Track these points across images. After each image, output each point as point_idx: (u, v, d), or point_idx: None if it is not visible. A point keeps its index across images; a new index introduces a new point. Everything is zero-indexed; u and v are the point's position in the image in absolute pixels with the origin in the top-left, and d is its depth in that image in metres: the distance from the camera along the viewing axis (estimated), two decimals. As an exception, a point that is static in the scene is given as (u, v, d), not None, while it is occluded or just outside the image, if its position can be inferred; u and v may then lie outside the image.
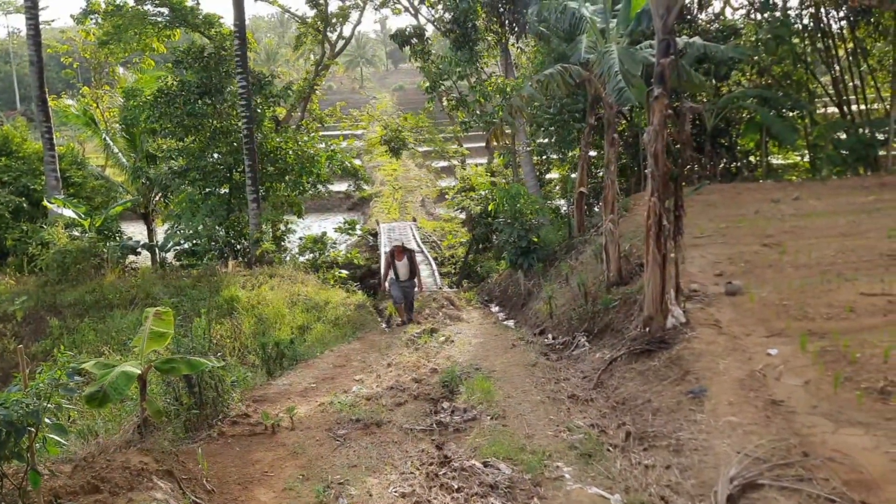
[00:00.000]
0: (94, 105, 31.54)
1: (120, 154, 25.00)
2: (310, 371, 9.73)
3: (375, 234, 28.26)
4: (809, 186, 17.40)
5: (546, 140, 20.98)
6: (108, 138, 24.99)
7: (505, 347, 10.58)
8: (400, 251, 13.51)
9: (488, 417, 6.76)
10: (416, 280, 13.63)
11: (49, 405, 3.79)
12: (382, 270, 13.87)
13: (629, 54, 9.32)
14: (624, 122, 19.35)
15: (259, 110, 21.36)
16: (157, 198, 24.66)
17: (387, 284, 13.66)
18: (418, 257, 22.26)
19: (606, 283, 11.18)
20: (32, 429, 3.75)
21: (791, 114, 20.19)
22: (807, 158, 22.73)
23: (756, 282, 10.01)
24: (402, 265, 13.37)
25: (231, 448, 6.21)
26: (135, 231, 25.70)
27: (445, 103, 26.12)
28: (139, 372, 5.14)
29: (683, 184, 8.03)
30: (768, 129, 18.94)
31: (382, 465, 5.74)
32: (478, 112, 20.68)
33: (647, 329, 8.32)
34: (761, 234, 12.87)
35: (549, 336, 11.19)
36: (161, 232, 24.98)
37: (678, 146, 7.86)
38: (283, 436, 6.60)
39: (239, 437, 6.52)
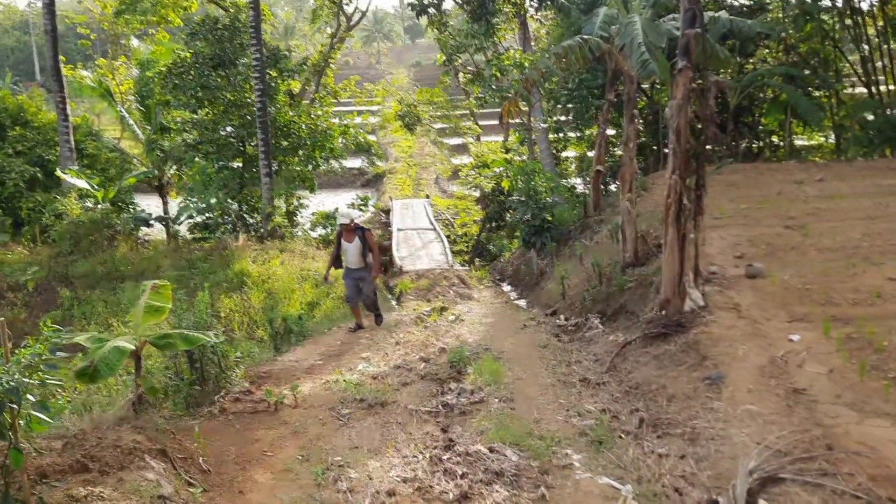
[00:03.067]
0: (111, 76, 31.38)
1: (135, 126, 24.85)
2: (317, 348, 9.57)
3: (388, 211, 28.03)
4: (834, 168, 16.91)
5: (563, 118, 20.57)
6: (122, 110, 24.83)
7: (515, 328, 10.35)
8: (350, 230, 10.34)
9: (496, 400, 6.55)
10: (365, 269, 10.43)
11: (31, 381, 3.61)
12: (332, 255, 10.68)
13: (653, 26, 8.95)
14: (644, 99, 18.91)
15: (273, 84, 21.09)
16: (172, 170, 24.52)
17: (331, 276, 10.76)
18: (430, 235, 22.02)
19: (622, 263, 10.89)
20: (14, 406, 3.57)
21: (817, 93, 19.64)
22: (831, 140, 22.17)
23: (778, 265, 9.68)
24: (353, 248, 10.28)
25: (232, 426, 6.04)
26: (150, 204, 25.60)
27: (462, 78, 25.67)
28: (133, 347, 4.95)
29: (707, 162, 7.71)
30: (794, 109, 18.42)
31: (385, 447, 5.54)
32: (493, 87, 20.25)
33: (664, 312, 8.05)
34: (784, 216, 12.48)
35: (562, 317, 10.94)
36: (175, 205, 24.88)
37: (701, 123, 7.53)
38: (286, 414, 6.43)
39: (240, 414, 6.36)
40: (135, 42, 30.64)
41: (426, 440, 5.63)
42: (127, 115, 24.81)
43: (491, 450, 5.29)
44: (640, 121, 17.05)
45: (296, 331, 10.22)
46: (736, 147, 18.73)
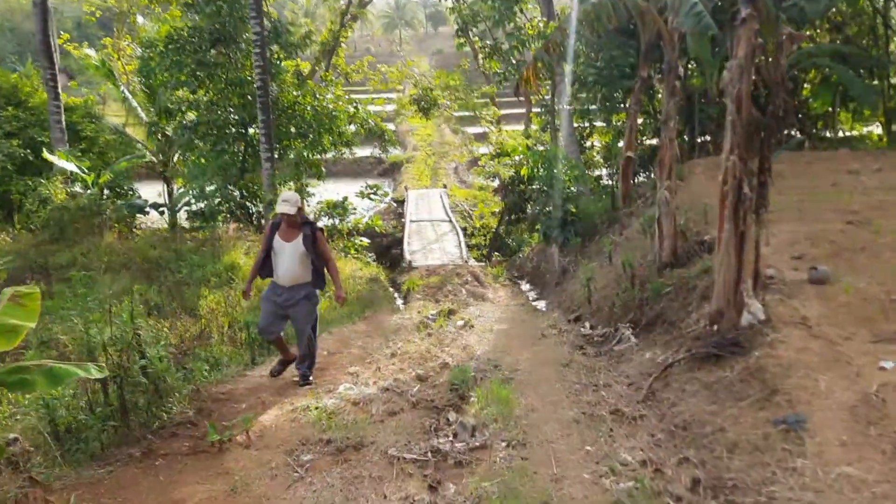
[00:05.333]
0: (116, 56, 30.21)
1: (139, 108, 23.62)
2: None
3: (403, 202, 26.62)
4: (891, 156, 15.19)
5: (589, 105, 18.93)
6: (126, 91, 23.58)
7: (533, 337, 8.86)
8: (293, 224, 6.77)
9: (503, 444, 5.04)
10: (315, 286, 6.95)
11: None
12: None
13: (703, -25, 7.39)
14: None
15: (277, 61, 19.66)
16: (177, 156, 23.24)
17: (253, 290, 7.45)
18: (445, 227, 20.53)
19: (658, 263, 9.34)
20: None
21: (869, 77, 17.85)
22: (876, 130, 20.33)
23: (847, 268, 8.08)
24: (291, 253, 6.73)
25: (154, 476, 4.62)
26: (157, 191, 24.34)
27: (481, 60, 24.03)
28: (-40, 389, 3.53)
29: (775, 140, 6.15)
30: (844, 91, 16.66)
31: (348, 518, 4.10)
32: (513, 62, 18.58)
33: (715, 327, 6.51)
34: (844, 210, 10.84)
35: (587, 324, 9.42)
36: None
37: (767, 89, 5.97)
38: (233, 457, 4.99)
39: (173, 457, 4.94)
40: (140, 20, 29.36)
41: (405, 508, 4.17)
42: (130, 97, 23.57)
43: (490, 532, 3.83)
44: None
45: (276, 337, 8.77)
46: (781, 133, 16.98)
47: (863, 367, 5.61)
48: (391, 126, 31.05)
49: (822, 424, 4.71)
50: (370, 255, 17.02)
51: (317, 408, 5.92)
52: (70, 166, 17.54)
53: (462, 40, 21.12)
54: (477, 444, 5.02)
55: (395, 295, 13.80)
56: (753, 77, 5.94)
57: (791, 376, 5.40)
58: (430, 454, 4.87)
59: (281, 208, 6.72)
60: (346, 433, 5.23)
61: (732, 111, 5.91)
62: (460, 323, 9.90)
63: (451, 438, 5.15)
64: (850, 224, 10.06)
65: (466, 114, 39.48)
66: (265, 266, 6.97)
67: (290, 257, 6.75)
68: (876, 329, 6.37)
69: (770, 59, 5.81)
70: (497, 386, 6.26)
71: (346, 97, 21.37)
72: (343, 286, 7.18)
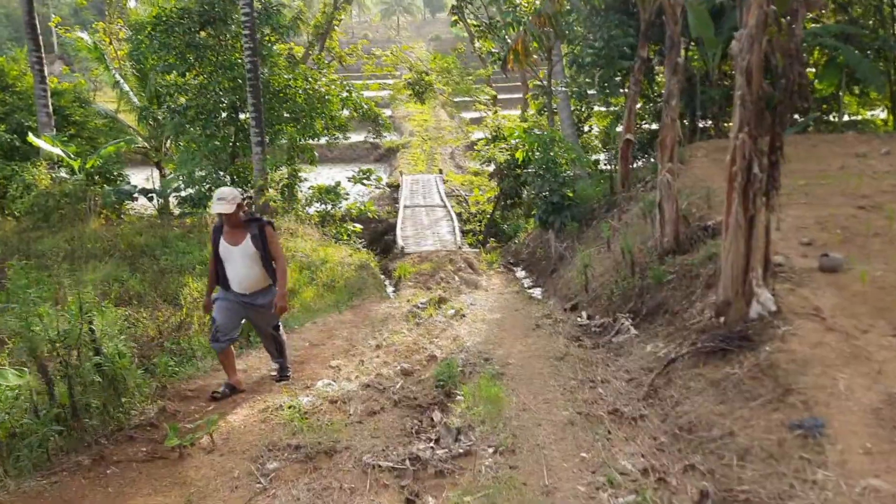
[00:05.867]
0: (107, 40, 29.64)
1: (131, 93, 23.11)
2: (279, 350, 7.67)
3: (398, 187, 26.12)
4: (900, 140, 14.69)
5: (587, 89, 18.38)
6: (117, 76, 23.05)
7: (526, 328, 8.39)
8: (236, 224, 5.90)
9: (490, 450, 4.58)
10: (271, 289, 6.10)
11: None
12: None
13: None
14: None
15: (269, 44, 19.13)
16: (168, 142, 22.75)
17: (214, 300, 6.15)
18: (439, 212, 20.04)
19: (659, 249, 8.88)
20: None
21: (875, 59, 17.31)
22: (880, 115, 19.78)
23: (861, 255, 7.62)
24: (241, 256, 5.89)
25: (102, 488, 4.16)
26: (152, 178, 23.82)
27: (477, 44, 23.44)
28: None
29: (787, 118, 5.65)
30: (851, 73, 16.12)
31: (312, 538, 3.65)
32: (508, 41, 17.99)
33: (722, 318, 6.05)
34: (854, 194, 10.36)
35: (584, 314, 8.97)
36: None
37: (781, 61, 5.46)
38: (193, 464, 4.54)
39: (127, 464, 4.49)
40: (132, 3, 28.80)
41: (376, 527, 3.72)
42: (122, 81, 23.05)
43: (471, 557, 3.38)
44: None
45: (257, 328, 8.33)
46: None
47: (884, 363, 5.15)
48: (388, 112, 30.47)
49: (844, 429, 4.26)
50: (360, 241, 16.56)
51: (290, 407, 5.47)
52: (56, 151, 17.08)
53: (456, 18, 20.49)
54: (461, 450, 4.55)
55: (387, 282, 13.34)
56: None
57: (806, 374, 4.95)
58: (408, 462, 4.40)
59: (216, 208, 5.77)
60: (319, 437, 4.78)
61: (742, 85, 5.42)
62: (451, 312, 9.45)
63: (432, 443, 4.70)
64: (861, 209, 9.59)
65: (464, 99, 38.90)
66: (220, 275, 6.07)
67: (241, 262, 5.90)
68: (895, 320, 5.91)
69: (782, 29, 5.30)
70: (486, 382, 5.81)
71: (340, 81, 20.85)
72: (287, 291, 6.26)
